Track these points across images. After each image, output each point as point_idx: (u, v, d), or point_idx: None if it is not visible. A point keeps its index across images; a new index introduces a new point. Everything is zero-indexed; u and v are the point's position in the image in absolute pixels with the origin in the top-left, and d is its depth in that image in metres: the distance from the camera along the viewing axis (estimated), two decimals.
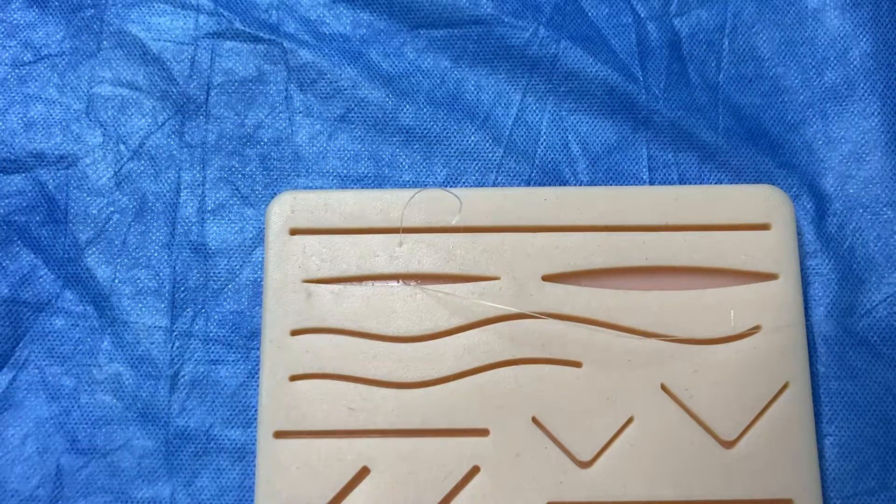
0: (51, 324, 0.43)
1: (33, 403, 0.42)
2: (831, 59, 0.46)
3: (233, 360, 0.43)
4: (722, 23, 0.46)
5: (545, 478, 0.39)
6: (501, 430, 0.40)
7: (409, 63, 0.46)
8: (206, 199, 0.44)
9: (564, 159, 0.45)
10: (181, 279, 0.44)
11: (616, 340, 0.41)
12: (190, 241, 0.44)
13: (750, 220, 0.42)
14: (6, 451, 0.42)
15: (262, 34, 0.46)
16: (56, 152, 0.45)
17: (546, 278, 0.41)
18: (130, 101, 0.46)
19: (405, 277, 0.42)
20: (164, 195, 0.44)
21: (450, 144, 0.45)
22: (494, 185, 0.44)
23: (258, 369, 0.41)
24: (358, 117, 0.45)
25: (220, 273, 0.44)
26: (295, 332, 0.41)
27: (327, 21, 0.46)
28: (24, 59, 0.46)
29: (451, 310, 0.41)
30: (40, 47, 0.46)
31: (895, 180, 0.44)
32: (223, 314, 0.43)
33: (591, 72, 0.45)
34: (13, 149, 0.45)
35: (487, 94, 0.46)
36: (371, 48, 0.46)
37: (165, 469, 0.41)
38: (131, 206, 0.44)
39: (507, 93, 0.45)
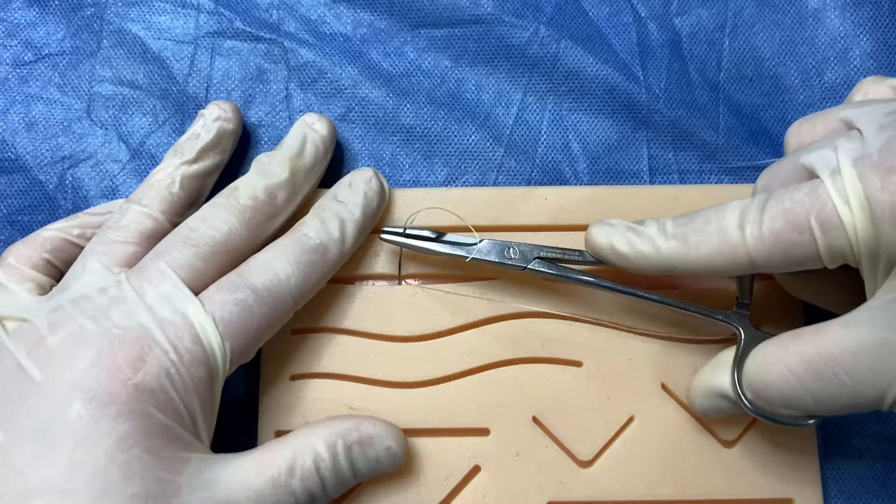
0: None
1: None
2: (831, 58, 0.46)
3: None
4: (722, 22, 0.46)
5: (546, 477, 0.39)
6: (502, 429, 0.40)
7: (409, 63, 0.46)
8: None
9: (565, 158, 0.45)
10: None
11: (616, 340, 0.41)
12: None
13: None
14: None
15: (262, 33, 0.46)
16: (57, 152, 0.45)
17: (547, 278, 0.41)
18: (131, 100, 0.46)
19: (405, 277, 0.42)
20: None
21: (450, 144, 0.45)
22: (495, 184, 0.44)
23: (258, 369, 0.41)
24: (358, 117, 0.45)
25: None
26: (295, 332, 0.41)
27: (328, 20, 0.46)
28: (25, 58, 0.46)
29: (452, 309, 0.41)
30: (41, 46, 0.46)
31: None
32: None
33: (592, 71, 0.45)
34: (15, 149, 0.45)
35: (488, 93, 0.45)
36: (371, 48, 0.46)
37: None
38: None
39: (508, 92, 0.45)
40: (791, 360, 0.31)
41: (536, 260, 0.39)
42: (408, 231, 0.40)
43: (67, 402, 0.31)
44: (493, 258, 0.39)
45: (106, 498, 0.30)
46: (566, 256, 0.39)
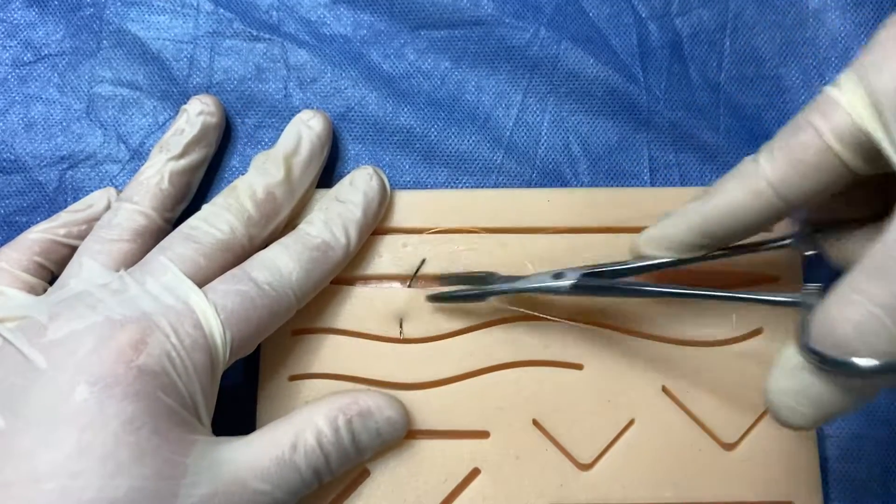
0: None
1: None
2: (832, 58, 0.46)
3: None
4: (723, 23, 0.46)
5: (545, 480, 0.39)
6: (502, 432, 0.40)
7: (409, 64, 0.46)
8: (207, 198, 0.44)
9: (565, 160, 0.45)
10: None
11: (617, 343, 0.41)
12: None
13: None
14: None
15: (262, 34, 0.46)
16: (57, 153, 0.45)
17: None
18: (131, 100, 0.46)
19: (408, 278, 0.42)
20: None
21: (451, 145, 0.45)
22: (495, 186, 0.44)
23: (257, 369, 0.41)
24: (358, 118, 0.45)
25: None
26: (295, 332, 0.41)
27: (328, 22, 0.46)
28: (25, 58, 0.46)
29: (453, 311, 0.41)
30: (40, 47, 0.46)
31: None
32: None
33: (592, 72, 0.45)
34: (14, 149, 0.45)
35: (488, 95, 0.45)
36: (372, 49, 0.46)
37: None
38: None
39: (508, 94, 0.45)
40: (859, 290, 0.27)
41: (582, 277, 0.37)
42: (456, 294, 0.40)
43: (72, 387, 0.31)
44: (542, 284, 0.38)
45: (117, 479, 0.30)
46: (610, 269, 0.38)
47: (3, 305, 0.36)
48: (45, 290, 0.38)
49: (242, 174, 0.40)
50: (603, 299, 0.41)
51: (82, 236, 0.40)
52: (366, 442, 0.37)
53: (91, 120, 0.45)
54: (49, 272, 0.39)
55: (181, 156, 0.41)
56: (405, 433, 0.39)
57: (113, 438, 0.31)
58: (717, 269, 0.41)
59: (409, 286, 0.42)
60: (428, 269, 0.42)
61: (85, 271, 0.37)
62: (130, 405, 0.31)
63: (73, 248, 0.39)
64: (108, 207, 0.41)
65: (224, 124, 0.44)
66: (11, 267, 0.38)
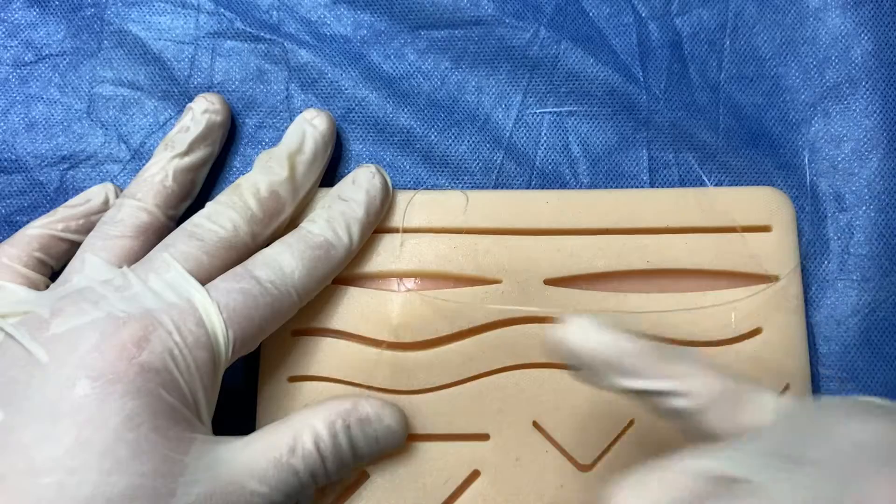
0: None
1: None
2: (833, 57, 0.45)
3: None
4: (723, 22, 0.46)
5: (545, 482, 0.39)
6: (502, 434, 0.40)
7: (409, 64, 0.46)
8: (201, 191, 0.44)
9: (565, 160, 0.45)
10: None
11: None
12: None
13: (751, 221, 0.42)
14: None
15: (262, 34, 0.46)
16: (57, 153, 0.45)
17: (548, 282, 0.41)
18: (132, 100, 0.46)
19: (406, 277, 0.42)
20: None
21: (450, 146, 0.45)
22: (495, 186, 0.44)
23: (257, 369, 0.41)
24: (359, 118, 0.45)
25: None
26: (295, 333, 0.41)
27: (328, 22, 0.46)
28: (26, 59, 0.46)
29: (452, 316, 0.41)
30: (41, 47, 0.46)
31: None
32: None
33: (592, 72, 0.45)
34: (14, 149, 0.45)
35: (488, 95, 0.45)
36: (372, 49, 0.46)
37: None
38: None
39: (508, 94, 0.45)
40: None
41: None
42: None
43: (73, 382, 0.31)
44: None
45: (115, 475, 0.30)
46: None
47: (5, 300, 0.36)
48: (45, 286, 0.38)
49: (244, 175, 0.40)
50: (604, 295, 0.41)
51: (81, 231, 0.40)
52: (364, 448, 0.37)
53: (92, 120, 0.45)
54: (49, 267, 0.39)
55: (186, 153, 0.41)
56: (404, 441, 0.39)
57: (112, 435, 0.31)
58: (718, 271, 0.41)
59: (408, 290, 0.42)
60: (426, 271, 0.42)
61: (87, 267, 0.37)
62: (131, 402, 0.31)
63: (73, 243, 0.39)
64: (106, 202, 0.41)
65: (229, 123, 0.44)
66: (12, 262, 0.38)
